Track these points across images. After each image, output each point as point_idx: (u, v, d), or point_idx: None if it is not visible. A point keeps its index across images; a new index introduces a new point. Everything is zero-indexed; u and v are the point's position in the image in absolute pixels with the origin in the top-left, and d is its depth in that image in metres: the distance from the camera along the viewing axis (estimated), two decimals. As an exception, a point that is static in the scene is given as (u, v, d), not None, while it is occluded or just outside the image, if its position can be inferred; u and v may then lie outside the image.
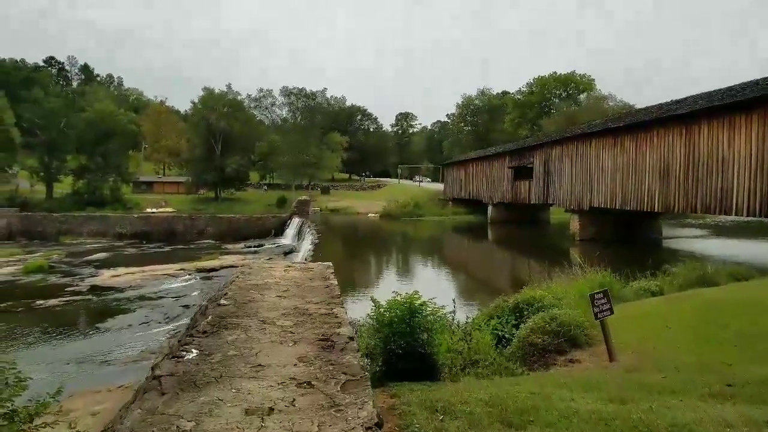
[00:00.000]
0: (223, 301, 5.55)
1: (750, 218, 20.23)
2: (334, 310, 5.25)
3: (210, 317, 4.85)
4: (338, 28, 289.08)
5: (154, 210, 49.13)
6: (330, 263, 8.39)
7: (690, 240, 33.76)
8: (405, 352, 5.41)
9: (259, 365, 3.49)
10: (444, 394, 4.72)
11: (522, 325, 9.91)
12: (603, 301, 8.12)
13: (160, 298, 21.07)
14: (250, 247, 37.10)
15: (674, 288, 13.53)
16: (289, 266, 8.14)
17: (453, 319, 8.66)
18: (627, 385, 6.11)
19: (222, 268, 26.80)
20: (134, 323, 17.75)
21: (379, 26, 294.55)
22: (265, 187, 72.37)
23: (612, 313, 8.16)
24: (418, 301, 5.66)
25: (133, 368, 13.59)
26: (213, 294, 7.54)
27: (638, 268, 15.01)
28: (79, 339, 16.23)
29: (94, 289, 22.53)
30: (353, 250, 31.89)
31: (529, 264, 26.92)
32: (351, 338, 4.18)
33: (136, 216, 44.07)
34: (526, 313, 10.24)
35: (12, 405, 5.12)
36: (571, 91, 78.32)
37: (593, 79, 79.11)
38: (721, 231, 40.50)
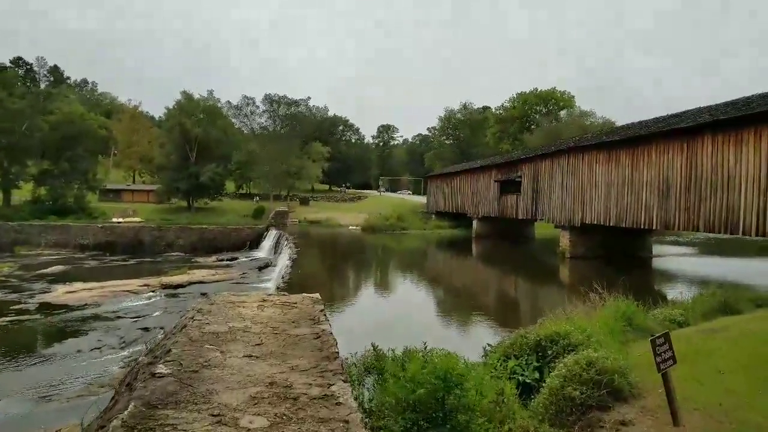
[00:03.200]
0: (161, 369, 3.65)
1: (758, 238, 18.94)
2: (332, 387, 3.39)
3: (132, 406, 2.96)
4: (321, 40, 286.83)
5: (120, 220, 46.42)
6: (318, 296, 6.51)
7: (678, 258, 32.70)
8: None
9: None
10: None
11: (547, 369, 8.23)
12: (665, 347, 6.42)
13: (118, 318, 18.91)
14: (223, 260, 35.03)
15: (698, 316, 12.09)
16: (264, 300, 6.22)
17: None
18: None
19: (190, 283, 24.74)
20: (85, 348, 15.67)
21: (359, 37, 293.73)
22: (257, 198, 69.59)
23: (675, 362, 6.47)
24: (457, 370, 3.86)
25: (77, 405, 11.54)
26: (154, 344, 5.59)
27: (642, 292, 13.56)
28: (17, 368, 14.07)
29: (44, 308, 20.26)
30: (334, 265, 29.95)
31: (516, 282, 25.43)
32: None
33: (99, 226, 41.44)
34: (550, 352, 8.54)
35: None
36: (551, 108, 78.03)
37: (573, 96, 79.25)
38: (699, 247, 39.80)
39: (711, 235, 27.36)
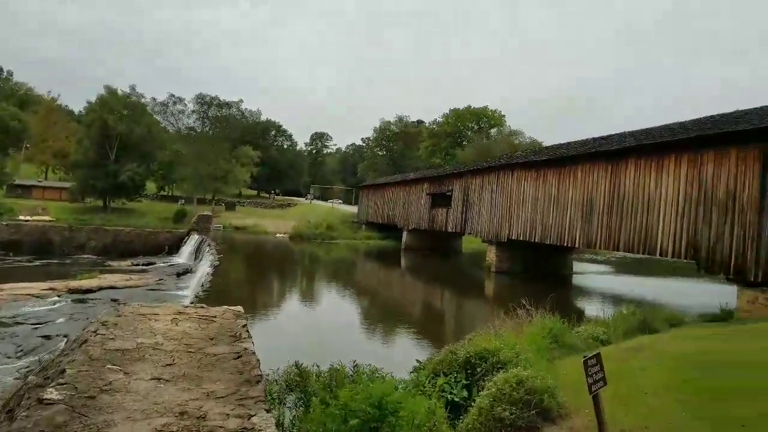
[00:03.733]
0: (51, 393, 3.09)
1: (674, 259, 19.73)
2: (253, 419, 2.96)
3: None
4: (265, 45, 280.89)
5: (28, 218, 43.27)
6: (240, 309, 6.00)
7: (596, 276, 33.94)
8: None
9: None
10: None
11: (476, 388, 8.05)
12: (596, 368, 6.32)
13: (17, 324, 17.31)
14: (139, 264, 33.27)
15: (619, 335, 12.33)
16: (180, 312, 5.65)
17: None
18: None
19: (101, 288, 23.19)
20: (-25, 357, 14.21)
21: (304, 45, 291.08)
22: (183, 201, 66.68)
23: (605, 384, 6.39)
24: (392, 396, 3.52)
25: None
26: (46, 361, 4.93)
27: (566, 308, 13.88)
28: None
29: (-69, 312, 18.34)
30: (259, 273, 29.04)
31: (443, 295, 25.54)
32: None
33: (4, 224, 38.34)
34: (479, 369, 8.38)
35: None
36: (483, 125, 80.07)
37: (504, 115, 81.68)
38: (615, 266, 41.62)
39: (628, 254, 28.62)
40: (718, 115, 17.93)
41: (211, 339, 4.89)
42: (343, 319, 18.17)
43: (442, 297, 25.36)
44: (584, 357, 6.42)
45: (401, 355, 13.57)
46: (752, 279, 14.29)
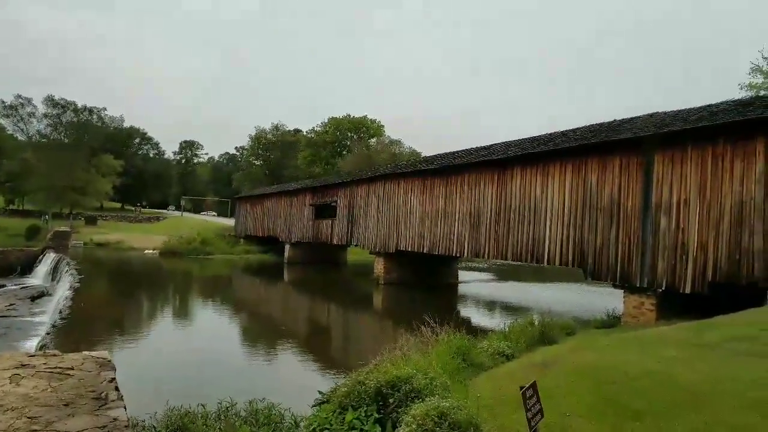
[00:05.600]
0: None
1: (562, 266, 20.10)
2: None
3: None
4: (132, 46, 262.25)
5: None
6: (106, 355, 4.57)
7: (480, 284, 34.65)
8: None
9: None
10: None
11: (389, 421, 7.21)
12: (534, 400, 5.69)
13: None
14: (-17, 288, 28.89)
15: (522, 348, 12.04)
16: (23, 365, 4.14)
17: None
18: None
19: (-71, 322, 19.44)
20: None
21: (177, 51, 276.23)
22: (46, 217, 59.40)
23: (543, 416, 5.77)
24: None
25: None
26: None
27: (462, 321, 13.54)
28: None
29: None
30: (126, 295, 26.20)
31: (336, 312, 24.57)
32: None
33: None
34: (392, 400, 7.50)
35: None
36: (362, 135, 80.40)
37: (383, 125, 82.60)
38: (496, 273, 43.15)
39: (509, 261, 29.44)
40: (603, 123, 18.52)
41: (66, 405, 3.49)
42: (226, 344, 16.47)
43: (333, 312, 24.34)
44: (521, 388, 5.75)
45: (296, 382, 12.38)
46: (638, 285, 14.78)
